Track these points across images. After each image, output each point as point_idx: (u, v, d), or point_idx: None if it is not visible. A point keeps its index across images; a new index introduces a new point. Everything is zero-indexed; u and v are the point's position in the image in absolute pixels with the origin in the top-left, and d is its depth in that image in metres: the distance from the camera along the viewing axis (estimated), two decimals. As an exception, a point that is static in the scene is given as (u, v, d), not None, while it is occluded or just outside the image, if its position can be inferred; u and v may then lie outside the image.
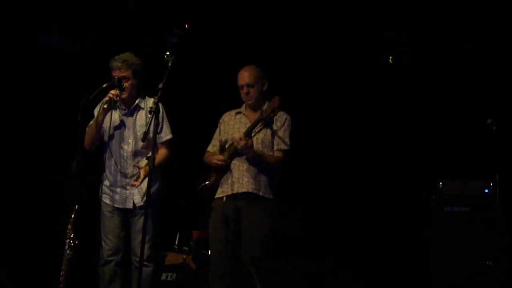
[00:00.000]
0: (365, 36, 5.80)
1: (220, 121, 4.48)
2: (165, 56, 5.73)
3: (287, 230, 5.45)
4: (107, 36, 5.72)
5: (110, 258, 4.35)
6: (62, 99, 5.45)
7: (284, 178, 4.34)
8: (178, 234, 5.30)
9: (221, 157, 4.28)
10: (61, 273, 3.98)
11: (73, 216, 3.99)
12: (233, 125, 4.37)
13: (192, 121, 5.65)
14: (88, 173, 4.29)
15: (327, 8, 5.67)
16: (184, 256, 5.16)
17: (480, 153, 5.19)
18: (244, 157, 4.20)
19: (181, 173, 5.29)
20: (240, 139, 4.08)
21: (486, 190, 5.03)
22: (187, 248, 5.23)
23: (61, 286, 3.96)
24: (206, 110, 5.20)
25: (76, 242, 3.97)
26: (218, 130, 4.47)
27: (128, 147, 4.39)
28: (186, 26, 5.87)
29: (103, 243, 4.38)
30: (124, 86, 4.30)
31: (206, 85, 5.86)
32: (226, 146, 4.34)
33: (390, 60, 6.00)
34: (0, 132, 5.60)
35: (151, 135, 3.79)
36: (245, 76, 4.28)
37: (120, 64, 4.30)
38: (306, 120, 5.29)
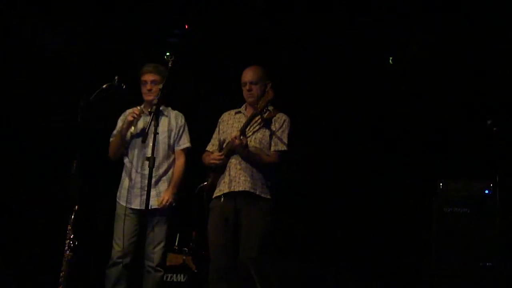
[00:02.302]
0: (365, 36, 5.81)
1: (220, 120, 4.48)
2: (165, 57, 5.71)
3: (287, 230, 5.45)
4: (107, 37, 5.72)
5: (119, 260, 4.36)
6: (62, 99, 5.45)
7: (283, 177, 4.33)
8: (178, 235, 5.30)
9: (216, 155, 4.29)
10: (61, 274, 3.98)
11: (72, 216, 3.99)
12: (232, 124, 4.36)
13: (192, 122, 5.64)
14: (87, 174, 4.29)
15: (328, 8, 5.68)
16: (184, 257, 5.16)
17: (480, 153, 5.19)
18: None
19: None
20: (235, 137, 4.09)
21: (486, 191, 5.02)
22: (187, 249, 5.23)
23: (60, 287, 3.96)
24: (206, 111, 5.20)
25: (76, 243, 3.97)
26: (217, 129, 4.47)
27: (150, 150, 4.43)
28: (186, 26, 5.87)
29: (114, 244, 4.39)
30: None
31: (205, 85, 5.86)
32: (224, 145, 4.34)
33: (390, 61, 6.00)
34: (0, 132, 5.60)
35: (151, 134, 3.87)
36: (249, 74, 4.30)
37: (152, 68, 4.47)
38: (306, 120, 5.29)
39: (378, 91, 5.89)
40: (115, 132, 4.57)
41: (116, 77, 4.28)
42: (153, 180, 4.38)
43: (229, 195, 4.19)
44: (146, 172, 4.34)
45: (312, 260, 5.64)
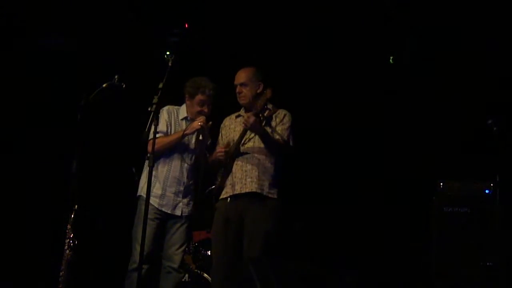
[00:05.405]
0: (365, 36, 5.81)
1: (222, 126, 4.49)
2: (165, 56, 5.71)
3: (289, 229, 5.45)
4: (107, 36, 5.72)
5: (144, 266, 4.19)
6: (62, 99, 5.45)
7: (288, 177, 4.33)
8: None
9: (220, 148, 4.29)
10: (61, 273, 3.97)
11: (72, 216, 3.98)
12: (234, 128, 4.36)
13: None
14: (87, 173, 4.29)
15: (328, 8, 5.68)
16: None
17: (480, 153, 5.19)
18: (247, 157, 4.20)
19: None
20: (248, 117, 4.07)
21: (486, 191, 5.02)
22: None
23: (60, 286, 3.95)
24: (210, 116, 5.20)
25: (76, 242, 3.96)
26: (220, 135, 4.47)
27: (189, 158, 4.47)
28: (186, 25, 5.87)
29: (138, 247, 4.22)
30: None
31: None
32: (228, 148, 4.33)
33: (390, 60, 6.01)
34: (0, 132, 5.60)
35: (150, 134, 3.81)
36: (239, 76, 4.31)
37: (213, 92, 4.42)
38: (306, 119, 5.29)
39: (378, 90, 5.89)
40: (161, 128, 4.41)
41: (116, 76, 4.27)
42: (186, 188, 4.47)
43: (235, 197, 4.19)
44: (184, 179, 4.46)
45: (312, 260, 5.64)
